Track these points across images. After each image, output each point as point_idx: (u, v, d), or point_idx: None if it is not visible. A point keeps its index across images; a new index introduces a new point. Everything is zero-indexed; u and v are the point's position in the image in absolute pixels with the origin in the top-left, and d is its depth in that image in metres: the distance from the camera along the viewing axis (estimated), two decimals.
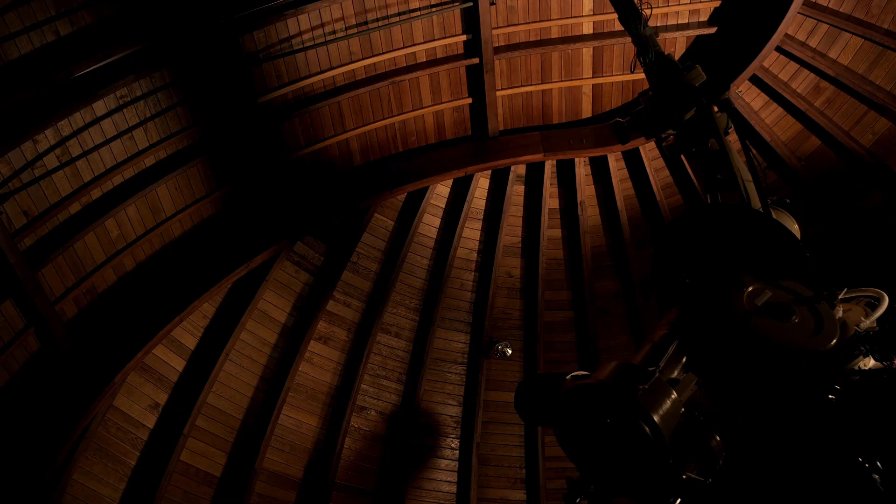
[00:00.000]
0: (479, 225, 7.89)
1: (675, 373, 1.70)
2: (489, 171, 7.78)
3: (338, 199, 7.11)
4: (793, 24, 6.69)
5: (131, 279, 6.28)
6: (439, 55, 6.97)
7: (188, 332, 6.61)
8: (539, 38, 7.08)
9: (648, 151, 7.59)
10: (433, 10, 6.57)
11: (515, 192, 7.85)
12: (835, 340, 1.77)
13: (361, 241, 7.45)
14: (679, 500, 1.47)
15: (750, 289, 1.90)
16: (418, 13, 6.57)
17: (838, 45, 6.62)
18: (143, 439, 6.29)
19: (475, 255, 7.88)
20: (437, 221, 7.80)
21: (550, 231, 7.87)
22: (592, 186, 7.85)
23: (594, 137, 7.51)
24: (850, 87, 6.63)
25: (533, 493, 7.42)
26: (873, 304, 2.46)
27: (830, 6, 6.50)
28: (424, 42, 6.77)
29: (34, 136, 5.21)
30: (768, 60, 6.94)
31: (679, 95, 2.80)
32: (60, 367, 5.81)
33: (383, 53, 6.69)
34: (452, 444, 7.56)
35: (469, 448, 7.47)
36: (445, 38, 6.82)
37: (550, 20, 6.94)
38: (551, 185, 7.81)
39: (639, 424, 1.44)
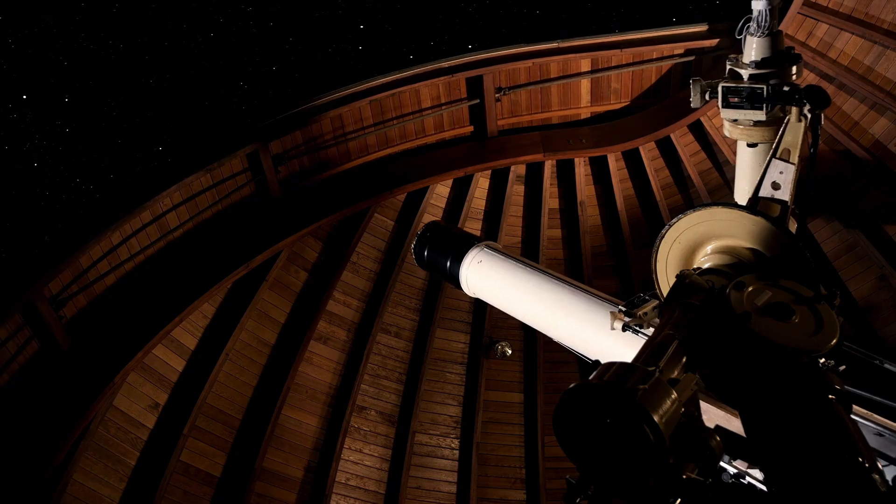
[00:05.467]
0: (479, 225, 7.89)
1: (675, 373, 1.70)
2: (489, 171, 7.79)
3: (338, 199, 7.13)
4: (792, 23, 6.69)
5: (131, 279, 6.28)
6: (447, 138, 7.61)
7: (188, 332, 6.61)
8: (541, 124, 7.70)
9: (648, 151, 7.60)
10: (443, 108, 7.30)
11: (515, 192, 7.86)
12: (835, 341, 1.78)
13: (361, 241, 7.45)
14: (679, 501, 1.47)
15: (750, 289, 1.90)
16: (430, 111, 7.22)
17: (838, 45, 6.62)
18: (143, 439, 6.29)
19: None
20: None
21: (550, 231, 7.87)
22: (592, 186, 7.85)
23: (594, 137, 7.53)
24: (850, 87, 6.63)
25: (533, 493, 7.42)
26: None
27: (830, 6, 6.50)
28: (435, 133, 7.49)
29: (90, 250, 5.84)
30: None
31: (780, 89, 2.49)
32: (60, 367, 5.82)
33: (398, 144, 7.36)
34: (452, 444, 7.56)
35: (469, 448, 7.47)
36: (454, 128, 7.53)
37: (551, 111, 7.55)
38: (551, 185, 7.81)
39: (639, 424, 1.44)
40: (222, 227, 6.70)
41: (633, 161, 7.71)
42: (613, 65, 7.34)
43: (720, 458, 1.57)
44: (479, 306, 7.76)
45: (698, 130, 7.53)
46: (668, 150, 7.65)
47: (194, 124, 16.31)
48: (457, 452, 7.54)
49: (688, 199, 7.68)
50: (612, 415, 1.47)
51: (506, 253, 3.08)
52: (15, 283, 5.55)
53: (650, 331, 2.33)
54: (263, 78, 17.34)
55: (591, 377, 1.59)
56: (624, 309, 2.34)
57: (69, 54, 16.08)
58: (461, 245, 3.13)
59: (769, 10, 2.59)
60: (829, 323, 1.81)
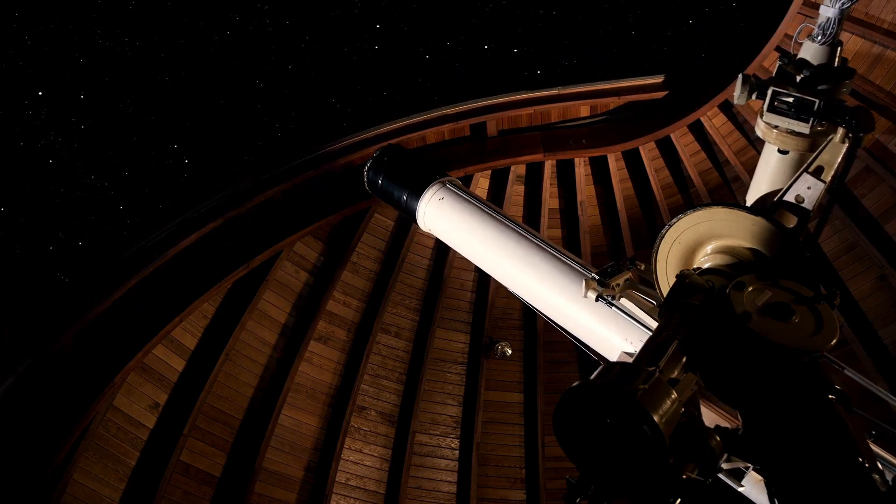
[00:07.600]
0: None
1: (675, 373, 1.70)
2: (489, 171, 7.79)
3: (338, 199, 7.13)
4: (793, 23, 6.68)
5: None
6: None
7: (188, 332, 6.61)
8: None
9: (648, 151, 7.60)
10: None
11: (515, 192, 7.86)
12: (835, 340, 1.78)
13: (361, 241, 7.45)
14: (679, 501, 1.47)
15: (750, 289, 1.90)
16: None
17: None
18: (143, 439, 6.29)
19: None
20: None
21: (550, 231, 7.88)
22: (592, 186, 7.86)
23: (594, 137, 7.53)
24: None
25: (533, 493, 7.42)
26: None
27: None
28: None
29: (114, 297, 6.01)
30: (768, 61, 6.94)
31: (830, 105, 2.35)
32: (60, 367, 5.82)
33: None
34: (452, 444, 7.56)
35: (469, 448, 7.47)
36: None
37: None
38: (551, 185, 7.81)
39: (639, 425, 1.44)
40: (222, 227, 6.69)
41: (633, 161, 7.71)
42: (612, 109, 7.48)
43: (720, 458, 1.57)
44: (480, 306, 7.77)
45: (698, 130, 7.53)
46: (668, 150, 7.65)
47: (208, 123, 16.31)
48: (457, 452, 7.54)
49: (688, 199, 7.69)
50: (613, 415, 1.47)
51: (471, 193, 2.89)
52: (47, 342, 5.74)
53: (622, 302, 2.31)
54: (279, 76, 17.37)
55: (591, 377, 1.59)
56: (598, 277, 2.29)
57: (85, 51, 16.14)
58: (421, 177, 2.92)
59: (839, 18, 2.41)
60: (829, 323, 1.81)
